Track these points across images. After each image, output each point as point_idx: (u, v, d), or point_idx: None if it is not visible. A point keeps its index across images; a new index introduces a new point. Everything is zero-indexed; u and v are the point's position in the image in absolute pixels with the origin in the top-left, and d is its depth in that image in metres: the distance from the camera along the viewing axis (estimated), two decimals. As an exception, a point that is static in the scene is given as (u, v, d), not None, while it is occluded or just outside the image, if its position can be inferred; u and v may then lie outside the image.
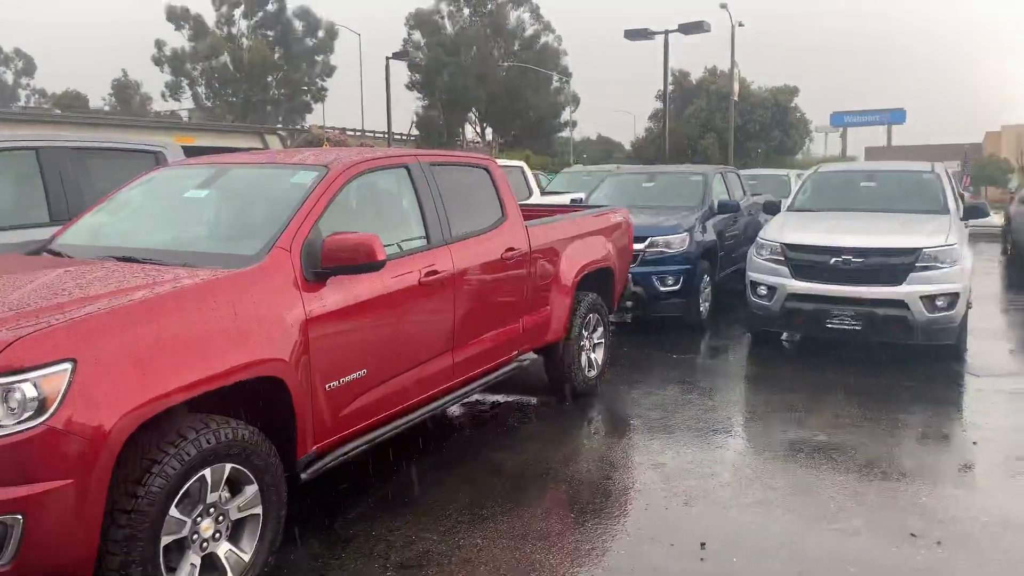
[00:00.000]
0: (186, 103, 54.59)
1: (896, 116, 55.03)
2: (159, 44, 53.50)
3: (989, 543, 3.61)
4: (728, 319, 9.03)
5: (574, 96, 55.74)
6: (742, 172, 12.54)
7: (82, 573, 2.59)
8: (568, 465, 4.69)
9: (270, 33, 55.69)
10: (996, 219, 15.86)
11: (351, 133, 45.92)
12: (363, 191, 4.17)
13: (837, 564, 3.45)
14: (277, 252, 3.40)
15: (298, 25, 56.02)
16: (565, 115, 55.30)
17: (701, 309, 8.44)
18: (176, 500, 2.78)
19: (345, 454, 3.68)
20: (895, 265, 6.73)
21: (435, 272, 4.19)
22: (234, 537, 3.07)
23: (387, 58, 31.22)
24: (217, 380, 2.93)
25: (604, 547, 3.63)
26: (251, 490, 3.09)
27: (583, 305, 5.79)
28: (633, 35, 25.72)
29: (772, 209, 9.23)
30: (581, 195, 11.42)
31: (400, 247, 4.13)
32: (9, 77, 69.82)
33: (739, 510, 4.01)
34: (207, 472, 2.89)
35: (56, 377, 2.50)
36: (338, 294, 3.54)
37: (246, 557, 3.09)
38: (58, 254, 3.81)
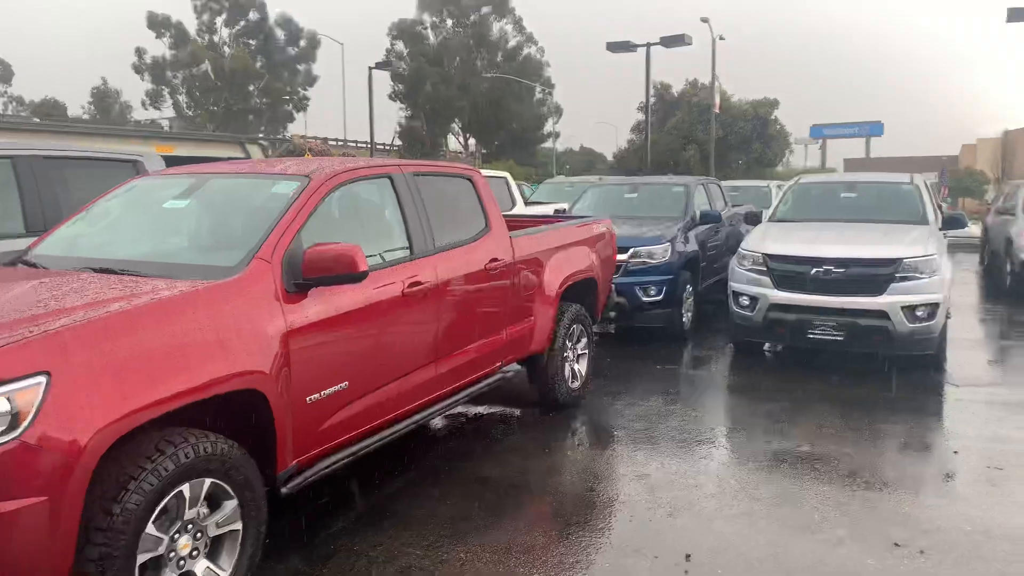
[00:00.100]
0: (167, 112, 54.33)
1: (875, 129, 55.72)
2: (139, 52, 53.28)
3: (971, 552, 3.62)
4: (710, 329, 9.05)
5: (557, 107, 56.08)
6: (723, 183, 12.62)
7: (56, 592, 2.53)
8: (552, 477, 4.66)
9: (252, 42, 55.58)
10: (974, 230, 16.05)
11: (333, 143, 45.86)
12: (345, 201, 4.14)
13: (822, 575, 3.44)
14: (257, 263, 3.35)
15: (280, 34, 55.98)
16: (548, 126, 55.61)
17: (684, 319, 8.45)
18: (153, 517, 2.72)
19: (326, 468, 3.63)
20: (876, 275, 6.78)
21: (418, 283, 4.16)
22: (213, 554, 3.02)
23: (370, 68, 31.24)
24: (196, 393, 2.88)
25: (588, 560, 3.60)
26: (230, 505, 3.04)
27: (567, 316, 5.78)
28: (615, 47, 25.90)
29: (753, 220, 9.28)
30: (564, 206, 11.44)
31: (383, 258, 4.10)
32: (-14, 85, 69.10)
33: (723, 521, 4.00)
34: (185, 488, 2.83)
35: (30, 391, 2.45)
36: (320, 305, 3.50)
37: (225, 575, 3.03)
38: (34, 265, 3.74)
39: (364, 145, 44.32)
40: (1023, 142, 43.20)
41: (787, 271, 7.10)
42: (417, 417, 4.31)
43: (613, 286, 6.93)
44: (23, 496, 2.40)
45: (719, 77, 31.46)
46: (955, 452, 5.00)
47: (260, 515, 3.16)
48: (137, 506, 2.64)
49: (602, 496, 4.36)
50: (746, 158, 43.41)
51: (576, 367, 6.03)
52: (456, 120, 54.71)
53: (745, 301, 7.32)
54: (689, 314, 8.61)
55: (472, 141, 56.27)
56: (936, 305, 6.66)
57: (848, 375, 6.90)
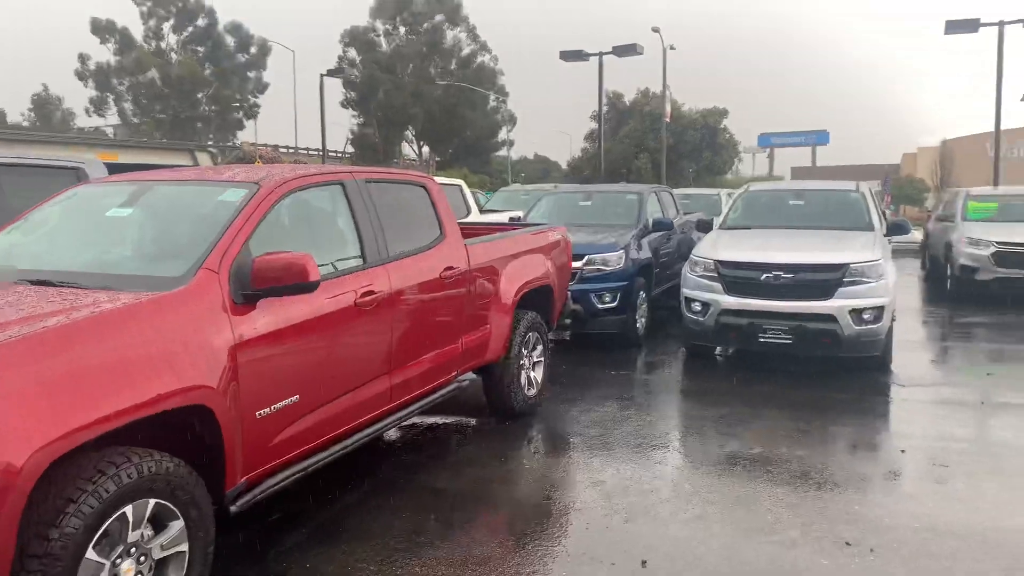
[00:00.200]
0: (111, 119, 53.05)
1: (821, 137, 57.08)
2: (83, 58, 51.96)
3: (920, 549, 3.70)
4: (664, 335, 9.14)
5: (511, 115, 56.24)
6: (675, 191, 12.77)
7: (-11, 622, 2.41)
8: (508, 486, 4.63)
9: (200, 48, 54.64)
10: (916, 236, 16.53)
11: (284, 150, 45.24)
12: (296, 209, 4.06)
13: (776, 578, 3.48)
14: (204, 274, 3.26)
15: (230, 41, 55.16)
16: (502, 134, 55.67)
17: (638, 325, 8.51)
18: (93, 541, 2.60)
19: (277, 484, 3.54)
20: (824, 280, 6.92)
21: (372, 292, 4.10)
22: (158, 577, 2.91)
23: (321, 75, 30.87)
24: (139, 410, 2.77)
25: (546, 570, 3.58)
26: (176, 526, 2.93)
27: (523, 324, 5.77)
28: (568, 56, 26.04)
29: (705, 227, 9.41)
30: (519, 213, 11.44)
31: (335, 267, 4.03)
32: (-80, 91, 66.67)
33: (679, 526, 4.02)
34: (128, 509, 2.72)
35: (-40, 411, 2.33)
36: (269, 317, 3.42)
37: (171, 598, 2.93)
38: (-34, 278, 3.59)
39: (316, 152, 43.81)
40: (960, 151, 44.69)
41: (738, 277, 7.20)
42: (371, 430, 4.24)
43: (569, 293, 6.94)
44: (-47, 521, 2.28)
45: (670, 86, 31.95)
46: (902, 451, 5.11)
47: (208, 535, 3.06)
48: (76, 530, 2.53)
49: (558, 504, 4.34)
50: (696, 166, 44.12)
51: (532, 375, 6.02)
52: (410, 127, 54.50)
53: (697, 307, 7.40)
54: (643, 320, 8.67)
55: (426, 149, 56.10)
56: (882, 308, 6.82)
57: (798, 378, 7.02)
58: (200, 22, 54.17)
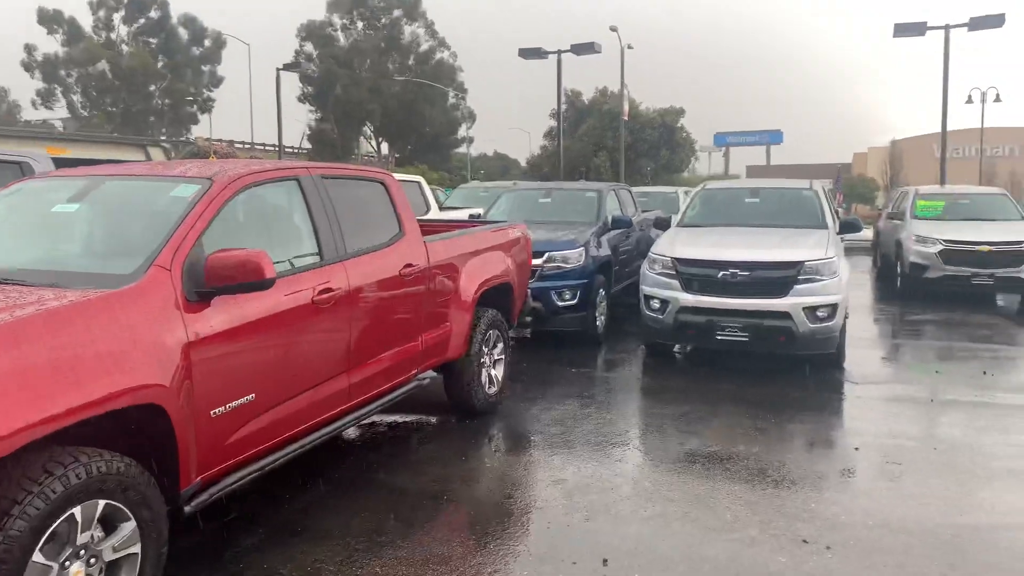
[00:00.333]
0: (60, 112, 51.49)
1: (774, 137, 58.13)
2: (29, 49, 50.35)
3: (874, 545, 3.77)
4: (623, 332, 9.19)
5: (470, 112, 56.04)
6: (633, 189, 12.86)
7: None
8: (469, 485, 4.61)
9: (153, 40, 53.34)
10: (867, 234, 16.90)
11: (240, 145, 44.48)
12: (250, 205, 3.97)
13: (735, 574, 3.51)
14: (156, 271, 3.17)
15: (183, 33, 53.94)
16: (462, 131, 55.47)
17: (598, 323, 8.54)
18: (40, 543, 2.52)
19: (233, 484, 3.47)
20: (779, 278, 7.02)
21: (329, 290, 4.04)
22: (108, 580, 2.82)
23: (278, 69, 30.39)
24: (89, 410, 2.69)
25: (507, 569, 3.56)
26: (128, 527, 2.85)
27: (483, 321, 5.74)
28: (527, 54, 26.06)
29: (663, 225, 9.49)
30: (479, 210, 11.41)
31: (292, 264, 3.96)
32: None
33: (639, 524, 4.03)
34: (77, 510, 2.64)
35: None
36: (224, 315, 3.35)
37: (122, 602, 2.85)
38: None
39: (272, 148, 43.17)
40: (909, 151, 45.93)
41: (695, 275, 7.27)
42: (329, 429, 4.18)
43: (529, 291, 6.93)
44: None
45: (628, 85, 32.18)
46: (856, 449, 5.21)
47: (161, 536, 2.99)
48: (21, 533, 2.45)
49: (519, 503, 4.33)
50: (654, 165, 44.51)
51: (492, 373, 6.00)
52: (368, 123, 53.99)
53: (656, 304, 7.45)
54: (603, 318, 8.71)
55: (385, 145, 55.66)
56: (835, 306, 6.94)
57: (755, 375, 7.12)
58: (152, 14, 52.89)
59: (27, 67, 50.41)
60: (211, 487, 3.36)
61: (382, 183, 5.11)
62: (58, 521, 2.58)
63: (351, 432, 5.50)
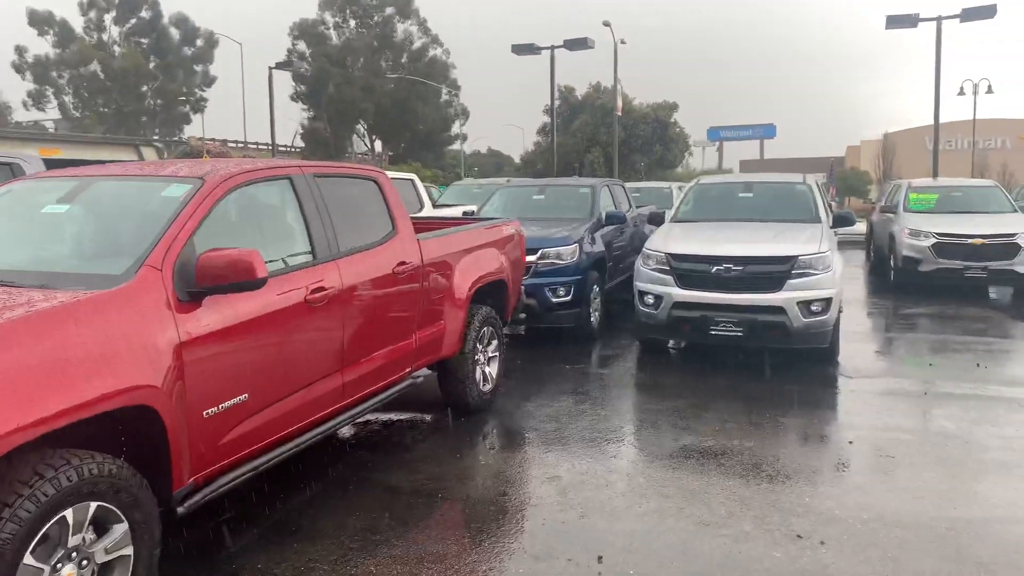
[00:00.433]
0: (52, 113, 51.27)
1: (768, 131, 58.13)
2: (20, 50, 50.12)
3: (868, 539, 3.77)
4: (617, 328, 9.20)
5: (463, 109, 55.92)
6: (627, 184, 12.86)
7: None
8: (464, 483, 4.61)
9: (144, 41, 53.11)
10: (860, 227, 16.93)
11: (233, 145, 44.39)
12: (242, 204, 3.96)
13: (730, 570, 3.51)
14: (147, 271, 3.16)
15: (175, 33, 53.71)
16: (455, 128, 55.37)
17: (592, 319, 8.54)
18: (31, 546, 2.51)
19: (226, 484, 3.46)
20: (773, 272, 7.02)
21: (322, 288, 4.03)
22: (101, 583, 2.82)
23: (270, 68, 30.31)
24: (80, 411, 2.67)
25: (502, 567, 3.56)
26: (120, 529, 2.84)
27: (477, 319, 5.73)
28: (520, 50, 26.06)
29: (657, 220, 9.48)
30: (473, 208, 11.40)
31: (285, 263, 3.95)
32: None
33: (634, 520, 4.04)
34: (68, 513, 2.64)
35: None
36: (216, 315, 3.33)
37: (115, 604, 2.84)
38: None
39: (266, 147, 43.07)
40: (902, 144, 45.98)
41: (689, 270, 7.27)
42: (323, 428, 4.17)
43: (523, 288, 6.93)
44: None
45: (621, 80, 32.11)
46: (850, 442, 5.22)
47: (153, 538, 2.98)
48: (12, 535, 2.43)
49: (514, 500, 4.33)
50: (648, 160, 44.46)
51: (487, 370, 5.99)
52: (361, 121, 53.84)
53: (650, 300, 7.45)
54: (597, 314, 8.71)
55: (378, 143, 55.53)
56: (829, 300, 6.95)
57: (749, 369, 7.13)
58: (144, 14, 52.65)
59: (18, 69, 50.19)
60: (204, 488, 3.35)
61: (375, 181, 5.09)
62: (49, 523, 2.58)
63: (345, 431, 5.49)
